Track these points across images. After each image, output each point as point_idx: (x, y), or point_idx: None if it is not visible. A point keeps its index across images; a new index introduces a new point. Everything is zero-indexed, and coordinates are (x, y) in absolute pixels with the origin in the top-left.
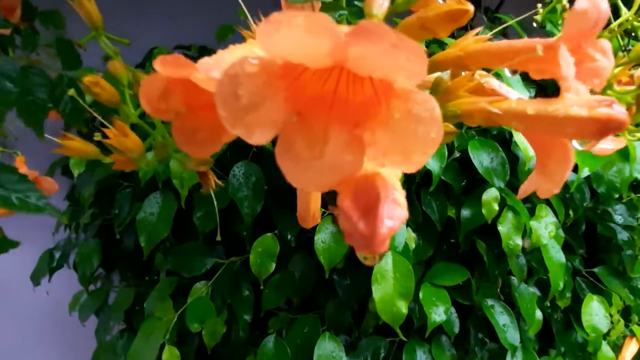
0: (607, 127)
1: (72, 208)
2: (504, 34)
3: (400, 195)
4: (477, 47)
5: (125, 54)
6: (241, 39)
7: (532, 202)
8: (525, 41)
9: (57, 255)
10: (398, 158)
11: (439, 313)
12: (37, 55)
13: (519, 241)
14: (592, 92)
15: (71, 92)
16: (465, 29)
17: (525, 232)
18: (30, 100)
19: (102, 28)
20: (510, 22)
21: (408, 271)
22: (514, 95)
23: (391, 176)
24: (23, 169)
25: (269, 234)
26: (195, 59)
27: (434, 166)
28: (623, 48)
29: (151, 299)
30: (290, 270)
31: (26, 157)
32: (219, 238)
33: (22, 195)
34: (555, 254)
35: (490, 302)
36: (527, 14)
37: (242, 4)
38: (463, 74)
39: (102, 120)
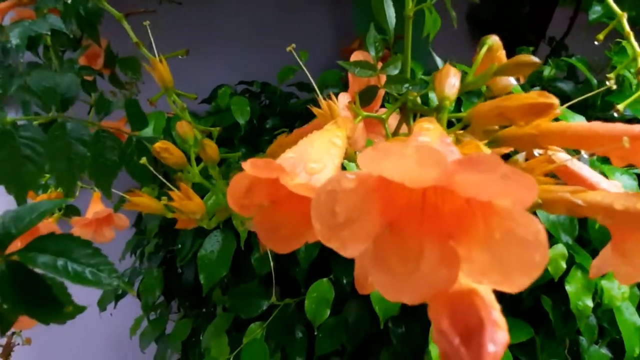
0: None
1: (138, 236)
2: (569, 65)
3: (499, 314)
4: (552, 127)
5: (193, 90)
6: (301, 78)
7: None
8: (608, 128)
9: None
10: (498, 278)
11: None
12: (113, 95)
13: (589, 302)
14: None
15: (143, 160)
16: None
17: (596, 292)
18: (101, 162)
19: (173, 87)
20: (575, 62)
21: None
22: (597, 178)
23: (488, 292)
24: (99, 205)
25: (325, 279)
26: (257, 94)
27: None
28: None
29: (208, 333)
30: (344, 316)
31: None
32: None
33: (96, 269)
34: (630, 317)
35: None
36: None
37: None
38: (536, 152)
39: (165, 181)
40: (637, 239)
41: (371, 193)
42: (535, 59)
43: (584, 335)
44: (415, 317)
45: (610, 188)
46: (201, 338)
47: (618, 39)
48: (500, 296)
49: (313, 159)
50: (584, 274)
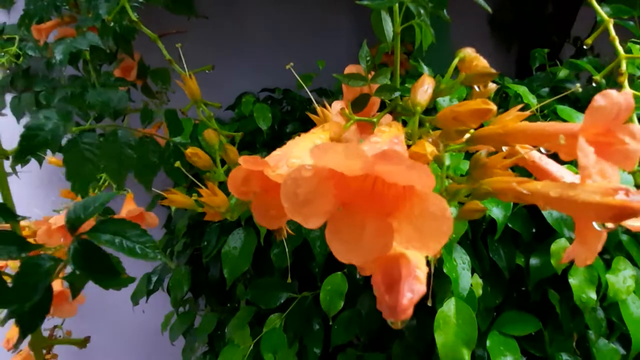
0: (623, 213)
1: (168, 236)
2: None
3: (422, 272)
4: (515, 127)
5: (219, 97)
6: (319, 84)
7: (610, 254)
8: (555, 127)
9: (154, 279)
10: (418, 244)
11: None
12: (145, 104)
13: (592, 295)
14: None
15: (177, 164)
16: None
17: (600, 286)
18: (144, 162)
19: (201, 99)
20: (583, 63)
21: (471, 319)
22: (562, 173)
23: (415, 256)
24: (132, 205)
25: (339, 272)
26: (279, 100)
27: (498, 214)
28: None
29: (231, 326)
30: (358, 308)
31: (132, 190)
32: (289, 280)
33: (143, 246)
34: (636, 310)
35: (565, 356)
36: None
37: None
38: (504, 148)
39: (194, 180)
40: (591, 227)
41: (325, 180)
42: (492, 70)
43: (591, 329)
44: (426, 311)
45: (574, 181)
46: (226, 331)
47: (633, 40)
48: (508, 291)
49: (295, 156)
50: (587, 267)
